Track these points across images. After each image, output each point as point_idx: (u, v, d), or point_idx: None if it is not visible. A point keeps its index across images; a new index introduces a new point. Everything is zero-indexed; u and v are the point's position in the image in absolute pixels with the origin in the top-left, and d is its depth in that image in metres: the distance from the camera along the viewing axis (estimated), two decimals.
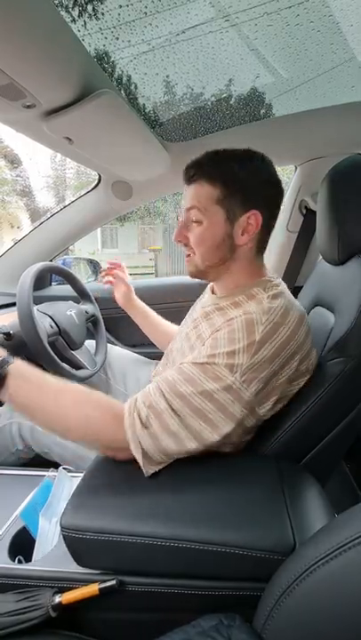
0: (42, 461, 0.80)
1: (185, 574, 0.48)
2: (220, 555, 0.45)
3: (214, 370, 0.52)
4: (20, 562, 0.55)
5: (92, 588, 0.46)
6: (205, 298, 0.73)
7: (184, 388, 0.52)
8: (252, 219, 0.58)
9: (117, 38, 0.58)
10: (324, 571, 0.32)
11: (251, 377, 0.52)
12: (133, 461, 0.56)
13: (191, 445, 0.52)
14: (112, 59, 0.65)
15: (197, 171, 0.59)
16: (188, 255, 0.63)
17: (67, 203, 1.27)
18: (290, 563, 0.38)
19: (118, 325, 1.08)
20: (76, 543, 0.47)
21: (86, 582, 0.49)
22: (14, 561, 0.54)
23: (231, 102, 0.94)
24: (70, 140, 0.67)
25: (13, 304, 1.29)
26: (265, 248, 0.64)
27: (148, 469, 0.54)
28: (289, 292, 0.61)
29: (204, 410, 0.51)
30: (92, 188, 1.19)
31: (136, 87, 0.80)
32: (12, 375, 0.52)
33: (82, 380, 0.89)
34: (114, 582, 0.46)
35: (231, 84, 0.87)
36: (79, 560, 0.49)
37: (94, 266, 1.51)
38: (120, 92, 0.73)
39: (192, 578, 0.48)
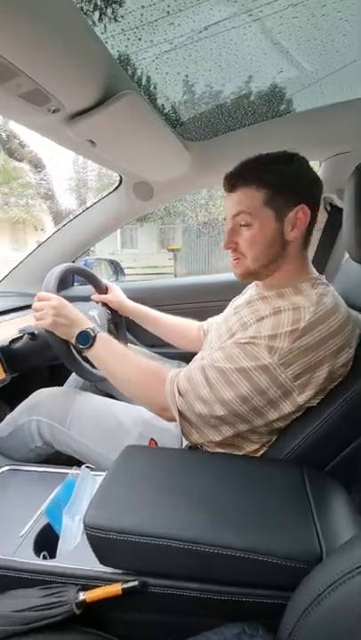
0: (61, 458, 0.81)
1: (207, 579, 0.47)
2: (242, 560, 0.44)
3: (254, 350, 0.56)
4: (44, 558, 0.56)
5: (115, 588, 0.47)
6: (247, 293, 0.78)
7: (223, 363, 0.58)
8: (300, 213, 0.61)
9: (140, 39, 0.58)
10: (356, 582, 0.30)
11: (289, 361, 0.54)
12: (155, 462, 0.59)
13: (219, 411, 0.57)
14: (134, 60, 0.65)
15: (239, 178, 0.62)
16: (238, 259, 0.67)
17: (88, 205, 1.29)
18: (318, 572, 0.37)
19: (138, 325, 1.09)
20: (99, 542, 0.48)
21: (109, 581, 0.49)
22: (39, 557, 0.55)
23: (251, 99, 0.92)
24: (93, 142, 0.68)
25: None
26: (309, 243, 0.67)
27: (186, 430, 0.61)
28: (337, 294, 0.63)
29: (238, 384, 0.56)
30: (113, 190, 1.20)
31: (157, 87, 0.80)
32: (99, 339, 0.71)
33: (102, 380, 0.90)
34: (136, 583, 0.47)
35: (251, 80, 0.86)
36: (102, 559, 0.49)
37: (115, 266, 1.53)
38: (141, 92, 0.73)
39: (214, 583, 0.47)
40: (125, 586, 0.47)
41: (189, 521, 0.47)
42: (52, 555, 0.57)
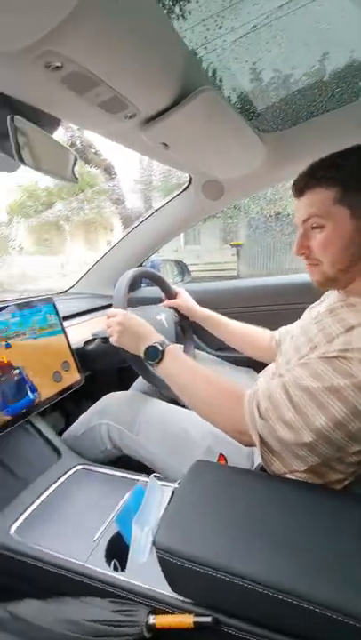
0: (129, 462, 0.82)
1: (287, 631, 0.42)
2: (335, 622, 0.38)
3: (345, 365, 0.49)
4: (115, 567, 0.56)
5: (187, 620, 0.44)
6: (327, 300, 0.71)
7: (309, 382, 0.51)
8: None
9: (220, 27, 0.53)
10: None
11: None
12: (227, 484, 0.55)
13: (307, 438, 0.50)
14: (211, 51, 0.60)
15: (308, 180, 0.58)
16: (313, 265, 0.61)
17: (157, 207, 1.29)
18: None
19: (204, 329, 1.05)
20: (169, 566, 0.45)
21: (180, 609, 0.47)
22: (110, 565, 0.56)
23: (331, 80, 0.81)
24: (166, 145, 0.66)
25: (109, 306, 1.39)
26: None
27: (267, 457, 0.55)
28: None
29: (330, 406, 0.49)
30: (182, 191, 1.18)
31: (232, 78, 0.74)
32: (168, 353, 0.68)
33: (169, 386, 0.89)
34: (209, 620, 0.43)
35: (325, 58, 0.75)
36: (173, 585, 0.47)
37: (181, 267, 1.51)
38: (217, 86, 0.68)
39: (294, 636, 0.41)
40: (197, 620, 0.44)
41: (274, 563, 0.42)
42: (122, 564, 0.58)
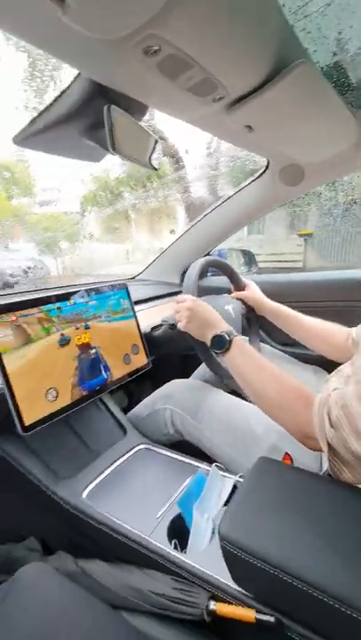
0: (189, 447, 0.84)
1: None
2: None
3: None
4: (175, 546, 0.58)
5: (249, 615, 0.44)
6: None
7: None
8: None
9: None
10: None
11: None
12: (294, 485, 0.53)
13: None
14: (305, 17, 0.55)
15: None
16: None
17: (226, 195, 1.25)
18: None
19: (270, 323, 1.01)
20: (233, 559, 0.45)
21: (241, 601, 0.47)
22: (171, 544, 0.58)
23: None
24: (250, 127, 0.63)
25: (175, 293, 1.41)
26: None
27: (336, 466, 0.50)
28: None
29: None
30: (258, 177, 1.12)
31: (327, 47, 0.67)
32: (235, 344, 0.66)
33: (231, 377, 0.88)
34: (272, 619, 0.43)
35: None
36: (235, 577, 0.47)
37: (249, 257, 1.46)
38: (311, 59, 0.63)
39: None
40: (260, 617, 0.43)
41: (342, 575, 0.40)
42: (182, 545, 0.60)
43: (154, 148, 0.63)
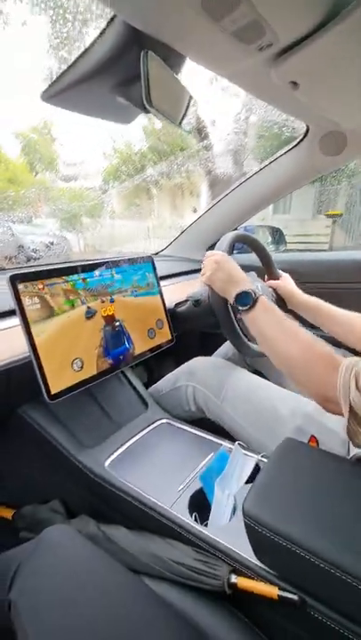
0: (211, 424, 0.83)
1: None
2: None
3: None
4: (196, 519, 0.59)
5: (272, 591, 0.44)
6: None
7: None
8: None
9: None
10: None
11: None
12: (321, 467, 0.52)
13: None
14: None
15: None
16: None
17: (262, 166, 1.18)
18: None
19: (297, 315, 0.97)
20: (256, 535, 0.45)
21: (262, 577, 0.47)
22: (191, 517, 0.58)
23: None
24: (296, 84, 0.57)
25: (199, 270, 1.37)
26: None
27: (354, 429, 0.49)
28: None
29: None
30: (294, 146, 1.05)
31: None
32: (260, 302, 0.63)
33: (257, 356, 0.86)
34: (296, 598, 0.42)
35: None
36: (258, 553, 0.47)
37: (278, 234, 1.40)
38: None
39: None
40: (283, 594, 0.43)
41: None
42: (203, 519, 0.60)
43: (188, 106, 0.59)
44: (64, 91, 0.51)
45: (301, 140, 1.01)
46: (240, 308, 0.65)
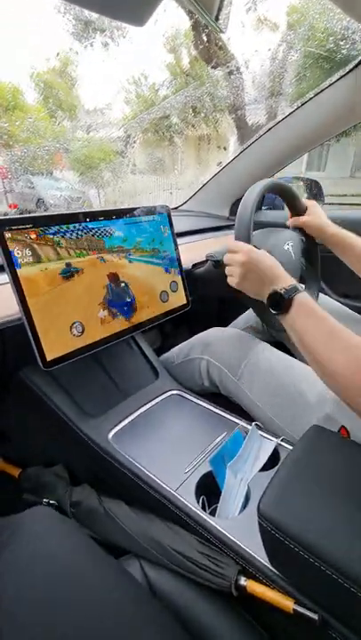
0: (225, 400, 0.76)
1: None
2: None
3: None
4: (203, 505, 0.53)
5: (287, 604, 0.37)
6: None
7: None
8: None
9: None
10: None
11: None
12: (353, 462, 0.44)
13: None
14: None
15: None
16: None
17: (300, 103, 0.99)
18: None
19: (330, 268, 0.83)
20: (273, 543, 0.38)
21: (275, 584, 0.41)
22: (198, 502, 0.52)
23: None
24: None
25: (223, 228, 1.23)
26: None
27: None
28: None
29: None
30: (341, 77, 0.85)
31: None
32: (297, 303, 0.52)
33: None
34: (315, 617, 0.36)
35: None
36: (272, 559, 0.40)
37: (317, 188, 1.22)
38: None
39: None
40: (300, 610, 0.37)
41: None
42: (210, 502, 0.54)
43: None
44: None
45: (357, 65, 0.81)
46: (273, 311, 0.54)
